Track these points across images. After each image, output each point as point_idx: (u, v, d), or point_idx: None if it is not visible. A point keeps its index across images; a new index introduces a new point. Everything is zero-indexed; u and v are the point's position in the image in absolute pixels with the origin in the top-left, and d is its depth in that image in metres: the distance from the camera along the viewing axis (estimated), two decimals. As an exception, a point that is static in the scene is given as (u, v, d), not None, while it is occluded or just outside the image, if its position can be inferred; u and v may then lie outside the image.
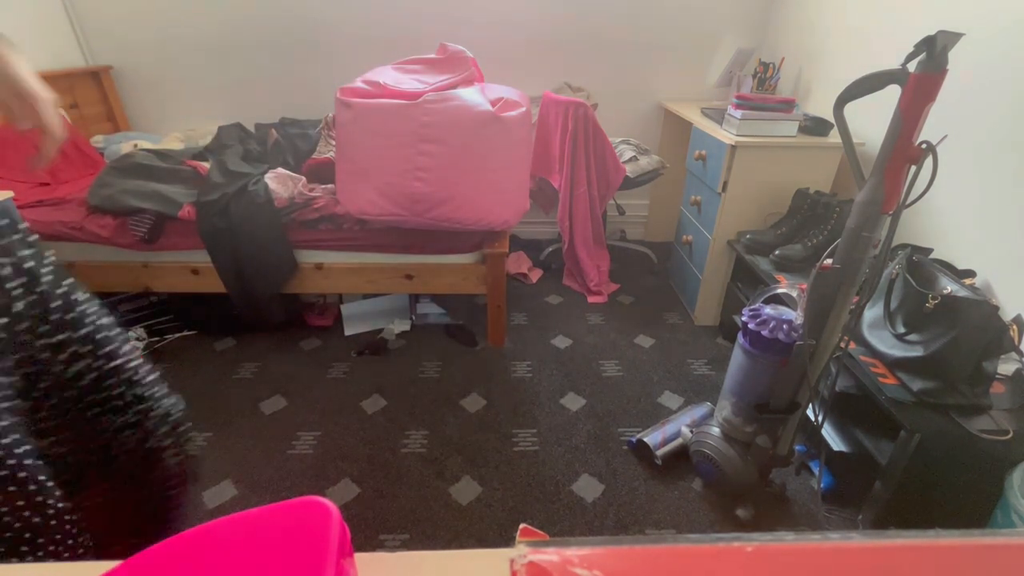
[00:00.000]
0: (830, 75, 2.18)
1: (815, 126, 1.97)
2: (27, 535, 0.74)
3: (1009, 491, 1.10)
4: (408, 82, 1.84)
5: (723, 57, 2.60)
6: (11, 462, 0.71)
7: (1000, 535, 0.29)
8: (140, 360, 0.94)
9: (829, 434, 1.49)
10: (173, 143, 2.43)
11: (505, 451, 1.63)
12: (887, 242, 1.03)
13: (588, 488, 1.51)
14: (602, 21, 2.60)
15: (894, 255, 1.41)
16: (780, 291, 1.40)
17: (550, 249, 2.82)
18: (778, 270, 1.81)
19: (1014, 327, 1.25)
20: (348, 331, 2.21)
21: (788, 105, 1.91)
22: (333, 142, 2.17)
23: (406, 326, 2.24)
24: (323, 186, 2.02)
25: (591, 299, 2.47)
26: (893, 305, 1.34)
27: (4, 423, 0.70)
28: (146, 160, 2.05)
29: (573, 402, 1.84)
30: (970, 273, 1.38)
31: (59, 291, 0.83)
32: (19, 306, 0.77)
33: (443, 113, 1.71)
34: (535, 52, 2.66)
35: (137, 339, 2.07)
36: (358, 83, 1.81)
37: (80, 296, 0.86)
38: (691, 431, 1.52)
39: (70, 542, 0.79)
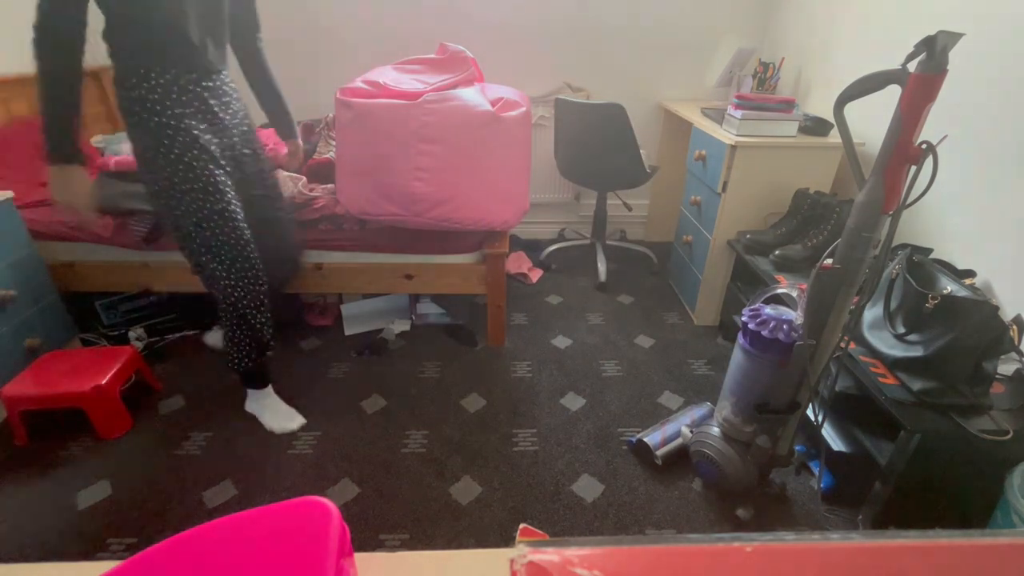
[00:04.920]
0: (830, 75, 2.18)
1: (815, 126, 1.97)
2: None
3: (1009, 491, 1.10)
4: (408, 82, 1.84)
5: (723, 57, 2.60)
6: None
7: (1000, 535, 0.29)
8: None
9: (829, 434, 1.49)
10: (173, 143, 2.42)
11: (505, 451, 1.63)
12: (887, 242, 1.03)
13: (588, 488, 1.51)
14: (602, 21, 2.60)
15: (894, 255, 1.41)
16: (780, 291, 1.40)
17: (550, 249, 2.82)
18: (778, 270, 1.81)
19: (1014, 327, 1.25)
20: (348, 331, 2.21)
21: (788, 105, 1.91)
22: (333, 142, 2.17)
23: (406, 326, 2.24)
24: (323, 186, 2.02)
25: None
26: (893, 305, 1.34)
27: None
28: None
29: (573, 402, 1.84)
30: (970, 273, 1.38)
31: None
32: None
33: (443, 113, 1.71)
34: (535, 52, 2.66)
35: (137, 339, 2.07)
36: (358, 83, 1.81)
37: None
38: (691, 431, 1.52)
39: None
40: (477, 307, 2.37)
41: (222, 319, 1.56)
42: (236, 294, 1.51)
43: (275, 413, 1.71)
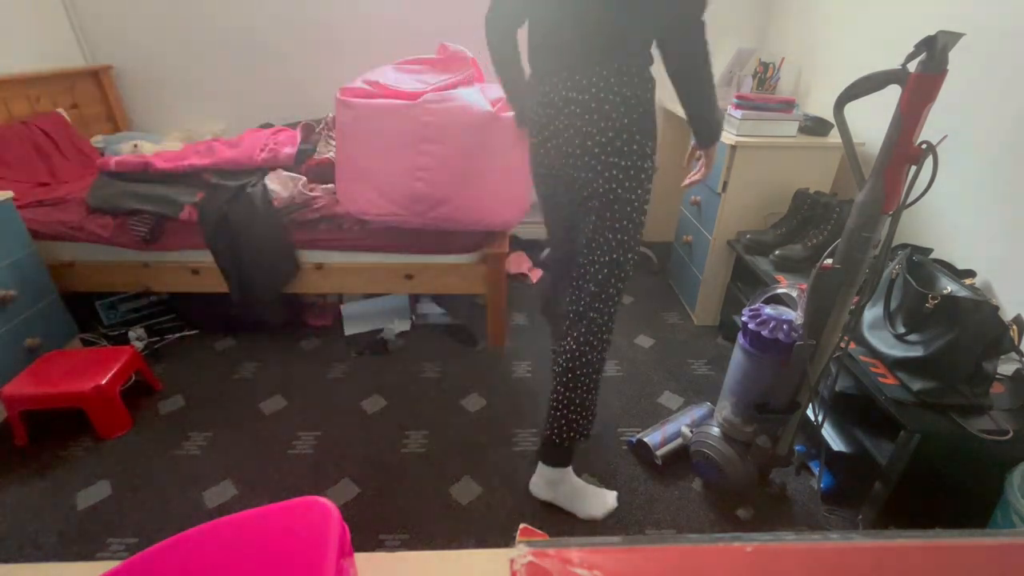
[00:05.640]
0: (830, 75, 2.17)
1: (815, 126, 1.97)
2: None
3: (1009, 491, 1.10)
4: (408, 82, 1.85)
5: (723, 57, 2.60)
6: None
7: (1000, 535, 0.29)
8: None
9: (829, 434, 1.49)
10: (173, 143, 2.43)
11: (505, 451, 1.63)
12: (887, 242, 1.03)
13: (588, 488, 1.50)
14: (602, 21, 2.60)
15: (894, 255, 1.41)
16: (780, 291, 1.40)
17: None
18: (778, 270, 1.81)
19: (1014, 327, 1.25)
20: (348, 331, 2.21)
21: (788, 105, 1.91)
22: (333, 142, 2.17)
23: (406, 326, 2.24)
24: (323, 186, 2.02)
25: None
26: (893, 305, 1.34)
27: None
28: (146, 160, 2.05)
29: (573, 402, 1.83)
30: (970, 273, 1.38)
31: None
32: None
33: (443, 113, 1.71)
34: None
35: (137, 339, 2.07)
36: (358, 83, 1.81)
37: None
38: (691, 431, 1.52)
39: None
40: (477, 307, 2.37)
41: (580, 375, 1.29)
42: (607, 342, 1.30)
43: (586, 498, 1.42)
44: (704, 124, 1.26)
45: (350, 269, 2.01)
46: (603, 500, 1.42)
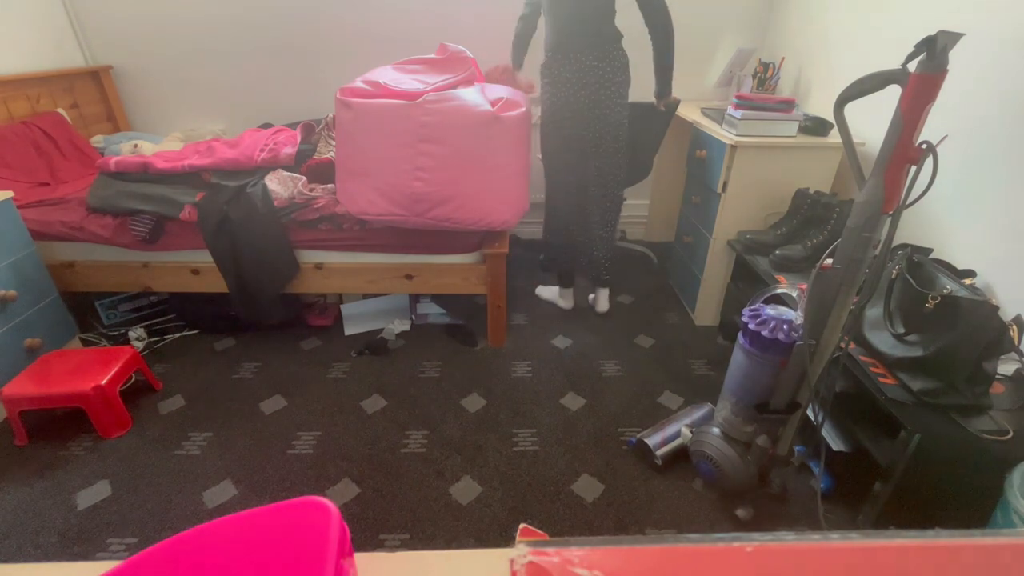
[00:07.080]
0: (830, 75, 2.17)
1: (815, 126, 1.97)
2: None
3: (1009, 491, 1.10)
4: (408, 82, 1.84)
5: (723, 57, 2.61)
6: None
7: (1000, 535, 0.29)
8: None
9: (829, 434, 1.49)
10: (173, 143, 2.43)
11: (505, 451, 1.63)
12: (887, 242, 1.03)
13: (588, 488, 1.51)
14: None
15: (894, 255, 1.41)
16: (780, 291, 1.40)
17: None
18: (778, 270, 1.80)
19: (1014, 327, 1.24)
20: (348, 331, 2.21)
21: (788, 105, 1.91)
22: (333, 142, 2.17)
23: (406, 326, 2.24)
24: (323, 186, 2.02)
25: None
26: (893, 305, 1.34)
27: None
28: (146, 160, 2.04)
29: (573, 402, 1.83)
30: (970, 273, 1.37)
31: None
32: None
33: (443, 113, 1.71)
34: (535, 52, 2.66)
35: (137, 339, 2.07)
36: (358, 83, 1.81)
37: None
38: (691, 431, 1.52)
39: None
40: (477, 307, 2.37)
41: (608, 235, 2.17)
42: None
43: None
44: (667, 75, 2.01)
45: (350, 269, 2.01)
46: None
